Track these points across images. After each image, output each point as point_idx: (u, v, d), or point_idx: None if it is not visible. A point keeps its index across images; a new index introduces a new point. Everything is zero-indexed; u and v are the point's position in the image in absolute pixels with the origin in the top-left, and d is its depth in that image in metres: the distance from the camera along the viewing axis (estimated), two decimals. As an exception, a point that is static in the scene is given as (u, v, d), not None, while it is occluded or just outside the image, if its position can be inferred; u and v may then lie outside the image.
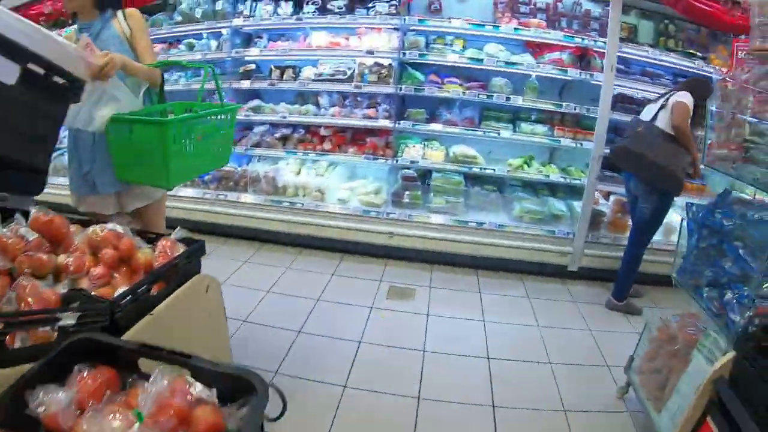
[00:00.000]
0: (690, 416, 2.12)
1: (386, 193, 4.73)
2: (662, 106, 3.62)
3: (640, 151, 3.56)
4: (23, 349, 1.38)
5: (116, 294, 1.61)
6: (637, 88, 4.51)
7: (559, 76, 4.43)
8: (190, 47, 5.25)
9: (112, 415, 1.05)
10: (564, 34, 4.30)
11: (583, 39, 4.32)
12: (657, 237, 4.03)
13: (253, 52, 4.96)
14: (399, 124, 4.58)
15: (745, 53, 4.00)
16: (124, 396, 1.15)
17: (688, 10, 4.06)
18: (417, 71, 4.65)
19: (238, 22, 4.92)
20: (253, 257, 4.57)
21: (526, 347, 3.46)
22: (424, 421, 2.67)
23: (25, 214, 1.82)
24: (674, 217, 4.19)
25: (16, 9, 4.26)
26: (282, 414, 1.13)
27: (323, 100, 4.92)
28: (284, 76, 4.87)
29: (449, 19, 4.45)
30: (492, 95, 4.42)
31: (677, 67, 4.45)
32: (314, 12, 4.72)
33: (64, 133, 2.41)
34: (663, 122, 3.59)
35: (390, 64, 4.66)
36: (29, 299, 1.46)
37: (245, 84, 4.95)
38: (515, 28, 4.31)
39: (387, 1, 4.48)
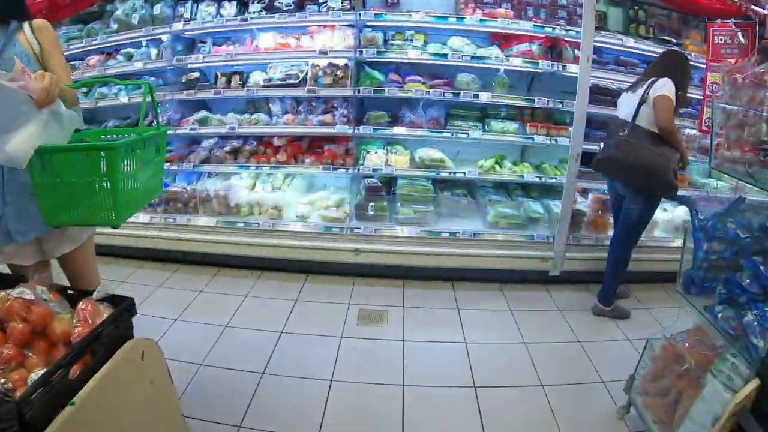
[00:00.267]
0: (710, 448, 1.89)
1: (349, 206, 4.22)
2: (643, 100, 3.23)
3: (627, 160, 3.23)
4: None
5: (29, 382, 1.37)
6: (612, 79, 4.12)
7: (529, 69, 4.00)
8: (129, 57, 4.64)
9: None
10: (533, 23, 3.86)
11: (553, 28, 3.90)
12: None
13: (195, 59, 4.36)
14: (359, 129, 4.08)
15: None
16: None
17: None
18: (376, 71, 4.15)
19: (178, 26, 4.32)
20: (209, 285, 4.01)
21: (515, 370, 3.06)
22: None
23: None
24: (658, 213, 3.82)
25: None
26: None
27: (275, 108, 4.37)
28: (231, 84, 4.30)
29: (409, 12, 3.96)
30: (458, 93, 3.96)
31: (652, 55, 4.07)
32: (261, 11, 4.16)
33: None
34: (646, 120, 3.22)
35: (346, 65, 4.15)
36: None
37: (189, 94, 4.36)
38: (481, 20, 3.84)
39: (340, -5, 3.95)
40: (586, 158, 3.78)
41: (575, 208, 4.08)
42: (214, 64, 4.48)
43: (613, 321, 3.65)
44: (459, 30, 4.14)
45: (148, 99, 1.99)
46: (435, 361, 3.10)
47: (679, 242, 4.26)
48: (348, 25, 4.07)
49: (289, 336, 3.31)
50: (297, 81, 4.12)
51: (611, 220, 4.02)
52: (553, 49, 4.02)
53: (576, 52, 3.97)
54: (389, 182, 4.43)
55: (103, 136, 2.23)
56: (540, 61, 3.88)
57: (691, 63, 3.53)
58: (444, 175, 4.14)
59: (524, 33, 3.97)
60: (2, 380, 1.34)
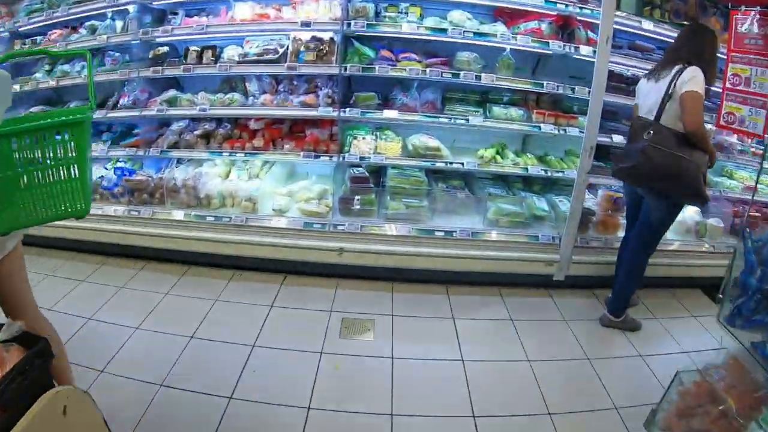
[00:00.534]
0: None
1: (332, 198, 3.67)
2: (669, 95, 2.72)
3: (654, 169, 2.76)
4: None
5: None
6: (626, 65, 3.57)
7: (538, 50, 3.44)
8: (93, 31, 4.04)
9: None
10: (545, -1, 3.28)
11: (566, 6, 3.32)
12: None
13: (163, 32, 3.71)
14: (344, 112, 3.50)
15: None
16: None
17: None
18: (365, 46, 3.55)
19: (145, -6, 3.69)
20: (176, 286, 3.47)
21: (519, 394, 2.62)
22: None
23: None
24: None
25: None
26: None
27: (252, 87, 3.77)
28: (203, 59, 3.70)
29: (404, -20, 3.36)
30: (458, 73, 3.39)
31: (668, 41, 3.53)
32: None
33: None
34: (673, 118, 2.74)
35: (331, 39, 3.58)
36: None
37: (156, 71, 3.75)
38: (488, -9, 3.25)
39: (326, -40, 3.34)
40: (597, 151, 3.28)
41: (583, 207, 3.56)
42: (184, 37, 3.85)
43: (623, 333, 3.21)
44: (460, 2, 3.56)
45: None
46: (428, 385, 2.63)
47: (691, 245, 3.81)
48: (335, -6, 3.47)
49: (263, 351, 2.82)
50: (276, 56, 3.53)
51: (622, 220, 3.54)
52: (565, 28, 3.46)
53: (589, 33, 3.46)
54: (378, 172, 3.88)
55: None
56: (551, 41, 3.31)
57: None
58: (440, 165, 3.59)
59: (533, 9, 3.42)
60: None
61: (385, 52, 3.56)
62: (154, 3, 3.89)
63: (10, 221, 1.48)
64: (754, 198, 3.96)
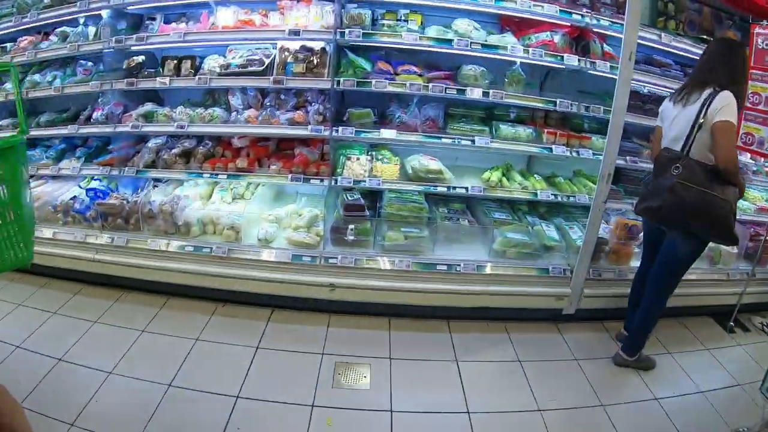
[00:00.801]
0: None
1: (324, 226, 3.25)
2: (699, 124, 2.36)
3: (683, 208, 2.43)
4: None
5: None
6: (642, 81, 3.19)
7: (552, 64, 3.04)
8: (64, 38, 3.61)
9: None
10: (559, 8, 2.87)
11: (582, 16, 2.91)
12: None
13: (138, 39, 3.27)
14: (337, 131, 3.08)
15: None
16: None
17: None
18: (361, 57, 3.12)
19: (118, -1, 3.24)
20: (154, 321, 3.07)
21: None
22: None
23: None
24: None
25: None
26: None
27: (235, 101, 3.34)
28: (181, 71, 3.26)
29: (403, -15, 2.93)
30: (464, 89, 2.98)
31: (686, 55, 3.23)
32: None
33: None
34: (703, 149, 2.40)
35: (323, 49, 3.16)
36: None
37: (129, 84, 3.31)
38: (497, 0, 2.82)
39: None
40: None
41: (596, 235, 3.20)
42: (161, 45, 3.45)
43: (637, 373, 2.90)
44: (466, 11, 3.13)
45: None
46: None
47: (706, 273, 3.49)
48: (327, 0, 3.05)
49: (247, 403, 2.45)
50: (261, 68, 3.11)
51: (636, 249, 3.19)
52: (579, 40, 3.08)
53: (604, 46, 3.05)
54: (372, 195, 3.46)
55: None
56: (565, 55, 2.92)
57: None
58: (441, 190, 3.20)
59: (544, 19, 3.02)
60: None
61: (382, 64, 3.14)
62: (129, 8, 3.43)
63: None
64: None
